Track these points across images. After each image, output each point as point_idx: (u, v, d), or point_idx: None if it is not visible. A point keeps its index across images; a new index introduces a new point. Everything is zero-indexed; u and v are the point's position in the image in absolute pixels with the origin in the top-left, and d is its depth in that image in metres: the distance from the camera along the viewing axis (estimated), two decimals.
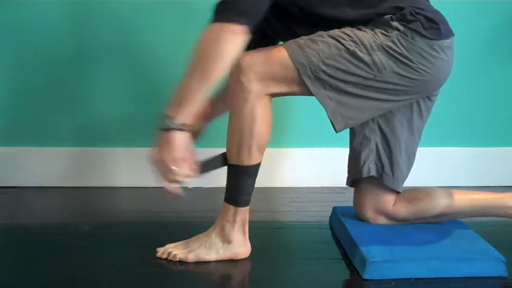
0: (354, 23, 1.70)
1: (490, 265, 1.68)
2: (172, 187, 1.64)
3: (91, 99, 2.43)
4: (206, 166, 1.72)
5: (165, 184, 1.64)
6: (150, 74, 2.43)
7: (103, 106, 2.44)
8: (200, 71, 1.59)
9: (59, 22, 2.37)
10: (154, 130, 1.62)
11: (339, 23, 1.70)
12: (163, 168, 1.62)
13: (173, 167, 1.60)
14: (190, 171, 1.63)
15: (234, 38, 1.58)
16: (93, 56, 2.41)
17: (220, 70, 1.59)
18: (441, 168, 2.50)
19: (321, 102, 1.70)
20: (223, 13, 1.59)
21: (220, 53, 1.58)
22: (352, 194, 1.94)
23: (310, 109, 2.18)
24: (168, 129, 1.60)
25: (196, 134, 1.83)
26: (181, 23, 2.40)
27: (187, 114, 1.61)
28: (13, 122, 2.43)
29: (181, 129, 1.60)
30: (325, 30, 1.70)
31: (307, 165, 2.50)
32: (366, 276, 1.65)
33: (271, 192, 2.40)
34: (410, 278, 1.65)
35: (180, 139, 1.60)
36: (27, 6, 2.35)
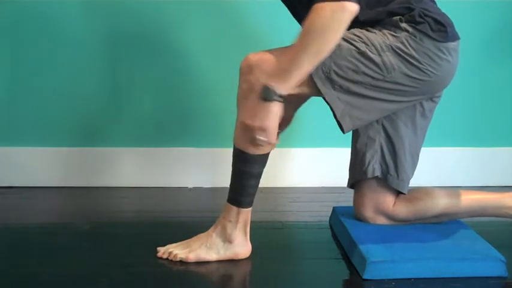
0: (366, 23, 1.71)
1: (490, 265, 1.68)
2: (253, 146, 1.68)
3: (91, 99, 2.43)
4: None
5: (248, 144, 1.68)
6: (151, 74, 2.43)
7: (103, 106, 2.44)
8: (315, 48, 1.58)
9: (59, 22, 2.37)
10: (255, 97, 1.62)
11: (355, 23, 1.70)
12: (252, 134, 1.64)
13: (260, 136, 1.63)
14: (274, 141, 1.65)
15: (348, 16, 1.56)
16: (94, 56, 2.41)
17: (332, 47, 1.59)
18: (441, 168, 2.50)
19: (329, 103, 1.70)
20: None
21: (336, 31, 1.57)
22: (352, 194, 1.95)
23: (310, 109, 2.18)
24: (270, 100, 1.61)
25: (288, 121, 1.82)
26: (183, 23, 2.40)
27: (291, 87, 1.62)
28: (13, 122, 2.44)
29: (280, 101, 1.62)
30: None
31: (307, 165, 2.50)
32: (365, 276, 1.65)
33: (271, 192, 2.40)
34: (410, 278, 1.65)
35: (278, 111, 1.62)
36: (27, 5, 2.35)
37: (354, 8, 1.56)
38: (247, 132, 1.65)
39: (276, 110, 1.62)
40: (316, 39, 1.57)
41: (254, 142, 1.65)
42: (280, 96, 1.61)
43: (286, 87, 1.61)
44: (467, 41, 2.37)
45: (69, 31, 2.38)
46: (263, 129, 1.62)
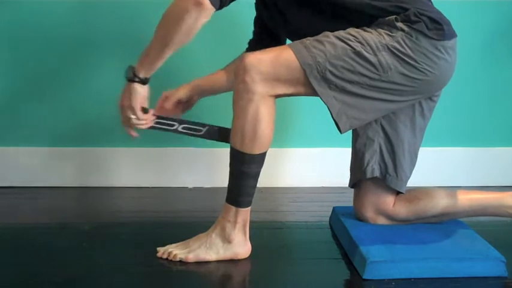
0: (362, 15, 1.71)
1: (490, 265, 1.68)
2: (128, 129, 1.82)
3: (91, 99, 2.43)
4: (166, 124, 1.86)
5: (124, 126, 1.82)
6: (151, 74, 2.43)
7: (103, 106, 2.43)
8: (163, 36, 1.68)
9: (59, 22, 2.37)
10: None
11: (350, 12, 1.71)
12: (122, 112, 1.79)
13: (130, 114, 1.77)
14: (143, 120, 1.79)
15: (200, 16, 1.63)
16: (93, 55, 2.41)
17: (180, 41, 1.67)
18: (441, 168, 2.50)
19: (326, 103, 1.70)
20: None
21: (183, 26, 1.64)
22: (352, 194, 1.95)
23: (310, 109, 2.19)
24: (131, 80, 1.74)
25: (189, 104, 1.96)
26: None
27: (149, 70, 1.73)
28: (13, 122, 2.44)
29: (141, 82, 1.74)
30: (335, 22, 1.72)
31: (308, 165, 2.50)
32: (366, 276, 1.65)
33: (271, 192, 2.40)
34: (410, 278, 1.65)
35: (139, 90, 1.75)
36: (27, 5, 2.35)
37: (204, 6, 1.61)
38: (121, 112, 1.78)
39: (137, 90, 1.74)
40: (163, 24, 1.67)
41: (126, 121, 1.78)
42: (142, 77, 1.73)
43: (142, 69, 1.72)
44: (468, 41, 2.38)
45: (69, 32, 2.38)
46: (128, 107, 1.76)
